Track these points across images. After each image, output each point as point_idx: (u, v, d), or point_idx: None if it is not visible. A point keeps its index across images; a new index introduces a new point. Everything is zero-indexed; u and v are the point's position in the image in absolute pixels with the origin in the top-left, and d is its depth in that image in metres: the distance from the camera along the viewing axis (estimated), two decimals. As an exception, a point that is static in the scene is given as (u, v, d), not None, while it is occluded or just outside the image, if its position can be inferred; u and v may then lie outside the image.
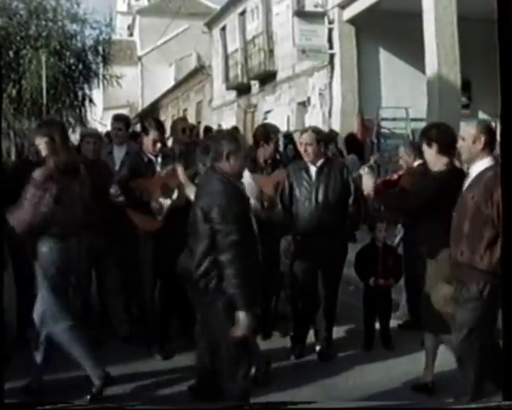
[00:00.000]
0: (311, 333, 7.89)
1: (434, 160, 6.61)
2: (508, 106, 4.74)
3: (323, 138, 8.01)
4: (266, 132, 8.49)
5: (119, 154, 8.87)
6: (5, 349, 5.35)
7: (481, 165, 5.62)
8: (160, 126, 7.86)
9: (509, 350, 4.79)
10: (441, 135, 6.64)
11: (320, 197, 7.48)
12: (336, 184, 7.55)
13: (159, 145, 7.63)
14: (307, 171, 7.63)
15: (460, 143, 5.82)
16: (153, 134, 7.61)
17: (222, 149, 5.55)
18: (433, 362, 6.66)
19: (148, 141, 7.63)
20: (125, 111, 51.81)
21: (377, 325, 8.16)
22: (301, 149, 7.69)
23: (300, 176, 7.61)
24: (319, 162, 7.63)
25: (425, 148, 6.70)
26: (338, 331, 7.99)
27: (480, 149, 5.63)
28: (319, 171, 7.59)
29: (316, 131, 7.95)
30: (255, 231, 5.61)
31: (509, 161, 4.78)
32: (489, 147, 5.63)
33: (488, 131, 5.68)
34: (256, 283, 5.45)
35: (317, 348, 7.75)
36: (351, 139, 15.30)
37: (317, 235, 7.35)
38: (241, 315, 5.17)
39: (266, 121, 23.75)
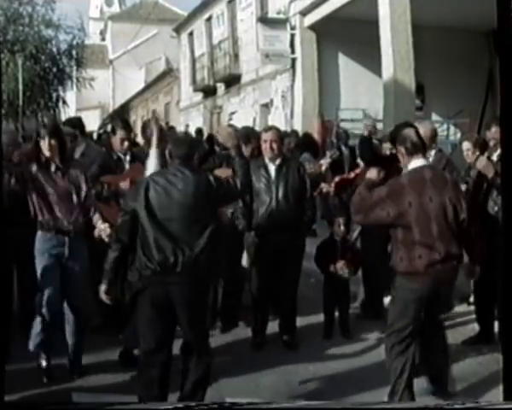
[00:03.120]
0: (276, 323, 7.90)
1: None
2: (508, 106, 4.71)
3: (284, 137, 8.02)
4: (247, 134, 8.48)
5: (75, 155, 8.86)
6: (6, 348, 5.26)
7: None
8: (126, 126, 7.92)
9: (509, 350, 4.76)
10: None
11: (280, 194, 7.44)
12: (294, 182, 7.52)
13: (126, 143, 7.69)
14: (266, 168, 7.57)
15: None
16: (120, 133, 7.71)
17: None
18: None
19: (115, 140, 7.69)
20: (96, 112, 51.69)
21: (336, 315, 8.16)
22: (266, 145, 7.58)
23: (259, 173, 7.52)
24: (278, 160, 7.59)
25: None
26: (299, 322, 7.95)
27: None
28: (278, 169, 7.54)
29: (278, 129, 7.97)
30: None
31: (509, 161, 4.74)
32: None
33: None
34: None
35: (284, 337, 7.71)
36: (306, 139, 15.29)
37: (278, 230, 7.32)
38: None
39: (232, 122, 23.78)
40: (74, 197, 6.52)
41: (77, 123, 9.46)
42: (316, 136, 17.27)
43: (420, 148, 5.70)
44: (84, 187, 6.59)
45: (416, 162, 5.64)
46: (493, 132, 7.46)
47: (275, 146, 7.55)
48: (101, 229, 6.41)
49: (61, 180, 6.47)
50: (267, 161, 7.61)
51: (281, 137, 7.83)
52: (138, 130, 10.37)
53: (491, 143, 7.65)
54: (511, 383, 4.73)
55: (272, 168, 7.56)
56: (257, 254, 7.51)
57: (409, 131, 5.78)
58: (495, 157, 7.23)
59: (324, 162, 8.25)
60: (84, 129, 9.83)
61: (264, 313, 7.75)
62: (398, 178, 5.72)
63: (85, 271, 6.54)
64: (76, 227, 6.47)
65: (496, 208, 7.02)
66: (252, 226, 7.50)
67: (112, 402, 5.21)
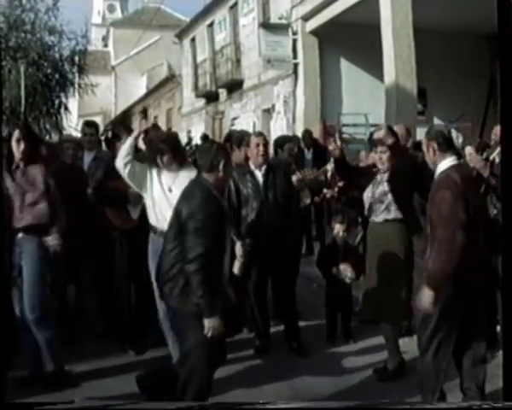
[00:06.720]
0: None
1: None
2: (508, 108, 4.70)
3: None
4: (240, 137, 8.46)
5: (87, 159, 8.83)
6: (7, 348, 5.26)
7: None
8: (131, 131, 7.92)
9: (509, 350, 4.74)
10: None
11: (269, 199, 7.42)
12: (282, 187, 7.50)
13: None
14: (252, 174, 7.54)
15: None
16: (125, 138, 7.65)
17: (210, 160, 5.40)
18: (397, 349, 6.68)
19: (120, 145, 7.65)
20: (98, 118, 51.67)
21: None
22: (258, 149, 7.50)
23: (246, 179, 7.51)
24: (264, 167, 7.54)
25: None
26: (301, 327, 7.95)
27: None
28: (266, 174, 7.50)
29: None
30: (228, 242, 5.52)
31: (509, 161, 4.73)
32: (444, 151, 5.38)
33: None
34: (221, 291, 5.39)
35: (294, 344, 7.66)
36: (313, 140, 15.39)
37: (269, 236, 7.30)
38: (207, 322, 5.13)
39: (233, 127, 23.78)
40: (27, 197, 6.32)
41: (96, 127, 9.55)
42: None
43: (452, 145, 5.49)
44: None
45: (451, 160, 5.37)
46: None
47: (266, 150, 7.55)
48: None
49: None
50: (253, 167, 7.57)
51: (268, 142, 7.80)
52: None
53: (493, 141, 7.63)
54: (511, 383, 4.72)
55: (259, 174, 7.51)
56: (251, 260, 7.19)
57: (439, 128, 5.68)
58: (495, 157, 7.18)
59: (330, 168, 8.21)
60: (98, 134, 9.88)
61: (265, 317, 7.74)
62: (446, 179, 5.31)
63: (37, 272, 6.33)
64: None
65: (495, 211, 6.94)
66: (241, 234, 7.24)
67: (122, 403, 5.22)
